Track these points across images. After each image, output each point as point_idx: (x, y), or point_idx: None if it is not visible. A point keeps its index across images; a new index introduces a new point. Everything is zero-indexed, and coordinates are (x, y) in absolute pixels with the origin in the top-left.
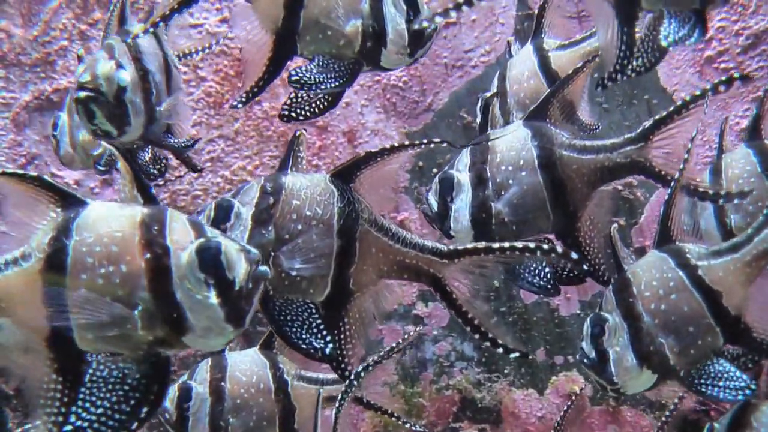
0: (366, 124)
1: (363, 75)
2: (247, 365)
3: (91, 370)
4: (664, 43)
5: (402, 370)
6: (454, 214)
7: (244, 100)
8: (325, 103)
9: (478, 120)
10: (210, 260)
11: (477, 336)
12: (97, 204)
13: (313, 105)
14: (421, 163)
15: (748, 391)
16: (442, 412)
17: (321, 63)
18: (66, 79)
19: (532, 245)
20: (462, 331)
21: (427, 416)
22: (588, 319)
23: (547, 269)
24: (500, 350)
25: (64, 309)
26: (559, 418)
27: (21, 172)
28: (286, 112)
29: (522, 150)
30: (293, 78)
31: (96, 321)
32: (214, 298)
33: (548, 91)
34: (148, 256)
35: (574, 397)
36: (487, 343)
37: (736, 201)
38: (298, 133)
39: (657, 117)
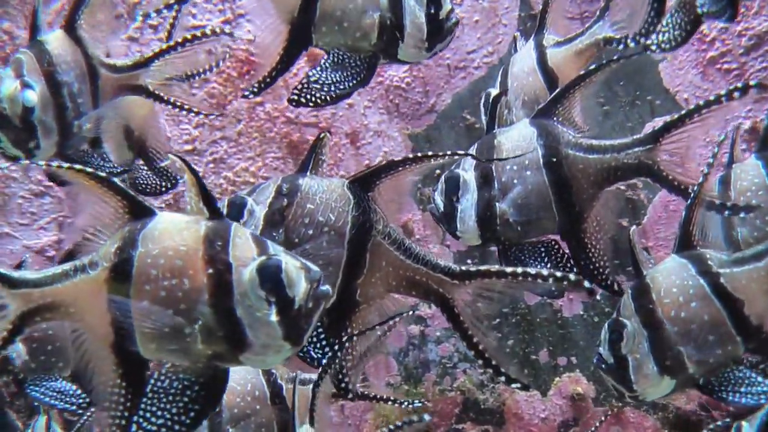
0: (369, 125)
1: None
2: (240, 374)
3: (152, 381)
4: (699, 11)
5: (405, 371)
6: (460, 214)
7: (256, 89)
8: (338, 92)
9: (484, 118)
10: (271, 278)
11: (480, 362)
12: (165, 215)
13: (325, 92)
14: None
15: None
16: (445, 413)
17: (336, 57)
18: None
19: (545, 272)
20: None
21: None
22: (606, 324)
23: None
24: (503, 379)
25: (128, 318)
26: None
27: (93, 171)
28: (296, 97)
29: (527, 148)
30: (312, 78)
31: (157, 333)
32: (273, 315)
33: (559, 89)
34: (211, 271)
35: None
36: (490, 371)
37: (742, 215)
38: (322, 136)
39: (668, 120)
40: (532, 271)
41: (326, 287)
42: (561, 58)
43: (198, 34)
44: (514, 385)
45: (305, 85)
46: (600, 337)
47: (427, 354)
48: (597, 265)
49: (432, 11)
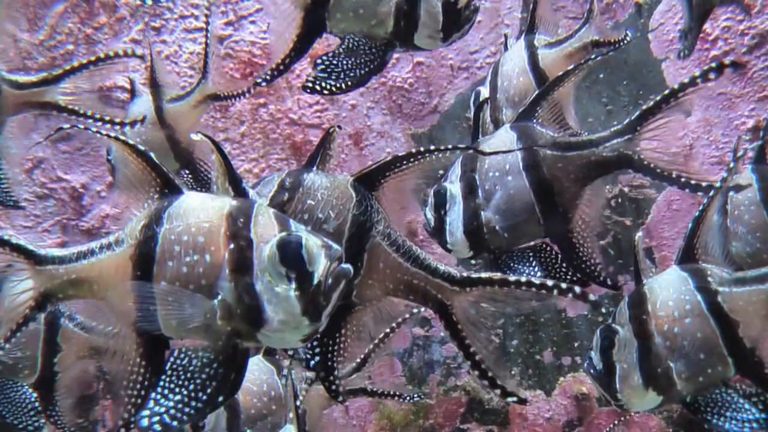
0: (372, 126)
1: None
2: (254, 374)
3: (172, 358)
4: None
5: (410, 371)
6: (448, 227)
7: (269, 77)
8: (354, 79)
9: (471, 114)
10: (291, 254)
11: (476, 373)
12: (192, 194)
13: (341, 80)
14: None
15: (755, 425)
16: (449, 413)
17: (350, 43)
18: None
19: (550, 283)
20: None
21: (434, 417)
22: (599, 329)
23: (538, 273)
24: (498, 391)
25: (151, 296)
26: None
27: (135, 144)
28: (311, 84)
29: (508, 154)
30: (319, 65)
31: (178, 309)
32: (292, 291)
33: (537, 92)
34: (232, 247)
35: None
36: (486, 383)
37: (740, 230)
38: (331, 130)
39: (644, 107)
40: (536, 281)
41: (347, 266)
42: (552, 60)
43: (111, 53)
44: (510, 399)
45: (320, 73)
46: (593, 341)
47: (431, 354)
48: (589, 263)
49: (450, 0)
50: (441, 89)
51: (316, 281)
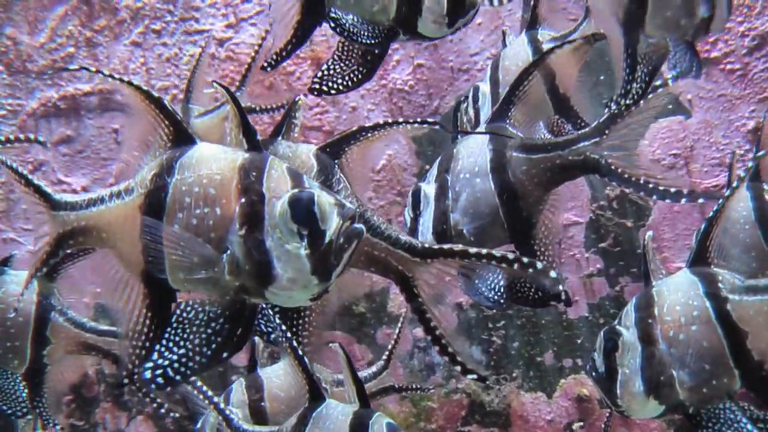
0: None
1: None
2: (282, 379)
3: (178, 311)
4: (669, 75)
5: (410, 373)
6: (420, 227)
7: (273, 62)
8: (358, 76)
9: (471, 111)
10: (303, 211)
11: (437, 348)
12: (204, 145)
13: (346, 78)
14: (427, 167)
15: None
16: (450, 415)
17: (354, 23)
18: (73, 86)
19: (511, 256)
20: (470, 335)
21: (435, 420)
22: (603, 331)
23: (501, 283)
24: (458, 368)
25: (159, 245)
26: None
27: (148, 90)
28: (317, 86)
29: (479, 155)
30: (332, 15)
31: (186, 260)
32: (303, 249)
33: (507, 89)
34: (243, 201)
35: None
36: (446, 358)
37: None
38: (297, 99)
39: (613, 109)
40: (496, 253)
41: (360, 225)
42: (558, 54)
43: (11, 137)
44: (470, 376)
45: (325, 73)
46: (596, 343)
47: (432, 357)
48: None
49: None
50: (441, 91)
51: (327, 240)
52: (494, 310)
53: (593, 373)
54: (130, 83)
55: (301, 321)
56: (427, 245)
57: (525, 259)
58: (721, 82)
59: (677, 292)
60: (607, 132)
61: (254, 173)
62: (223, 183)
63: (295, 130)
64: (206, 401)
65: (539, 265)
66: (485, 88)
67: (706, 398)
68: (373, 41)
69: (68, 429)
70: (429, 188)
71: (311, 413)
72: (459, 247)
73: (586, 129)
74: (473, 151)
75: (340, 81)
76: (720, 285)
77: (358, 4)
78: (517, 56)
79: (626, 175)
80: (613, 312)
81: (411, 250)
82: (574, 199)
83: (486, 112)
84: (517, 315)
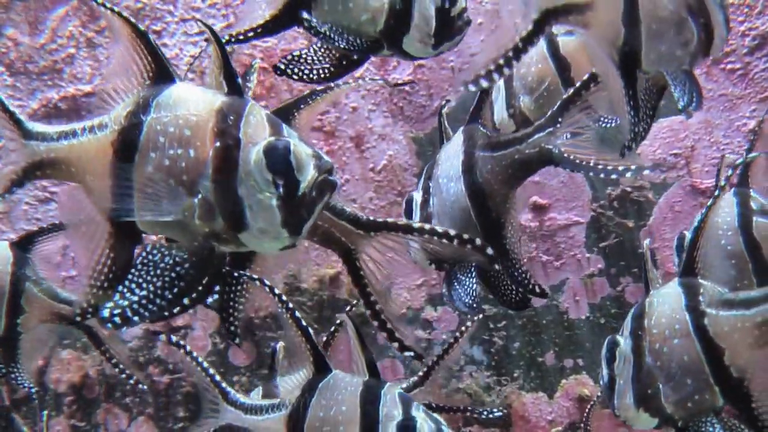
0: (373, 128)
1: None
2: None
3: (144, 253)
4: (680, 107)
5: (411, 374)
6: None
7: (231, 39)
8: (326, 74)
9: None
10: (278, 160)
11: (376, 324)
12: (182, 84)
13: (314, 71)
14: None
15: None
16: (451, 416)
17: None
18: (73, 87)
19: (452, 232)
20: (472, 335)
21: None
22: (607, 339)
23: (476, 289)
24: (396, 345)
25: (128, 184)
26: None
27: (135, 23)
28: (283, 65)
29: (454, 158)
30: (307, 20)
31: (155, 201)
32: (275, 200)
33: (479, 92)
34: (218, 144)
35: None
36: (385, 334)
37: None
38: (253, 62)
39: (564, 97)
40: (440, 229)
41: (335, 178)
42: (573, 47)
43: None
44: (407, 353)
45: (294, 57)
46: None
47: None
48: (521, 270)
49: (445, 6)
50: (442, 91)
51: (300, 192)
52: (469, 315)
53: (600, 381)
54: (120, 14)
55: (237, 290)
56: (372, 218)
57: (465, 236)
58: (721, 82)
59: (665, 303)
60: (560, 120)
61: (232, 117)
62: (198, 125)
63: (248, 93)
64: (198, 367)
65: (478, 241)
66: (499, 81)
67: (691, 413)
68: (351, 49)
69: (69, 430)
70: (418, 196)
71: (317, 384)
72: (402, 221)
73: (541, 120)
74: (450, 155)
75: (306, 71)
76: (700, 298)
77: (347, 11)
78: (531, 50)
79: (578, 161)
80: (614, 312)
81: (355, 222)
82: (575, 198)
83: (500, 106)
84: (518, 315)
